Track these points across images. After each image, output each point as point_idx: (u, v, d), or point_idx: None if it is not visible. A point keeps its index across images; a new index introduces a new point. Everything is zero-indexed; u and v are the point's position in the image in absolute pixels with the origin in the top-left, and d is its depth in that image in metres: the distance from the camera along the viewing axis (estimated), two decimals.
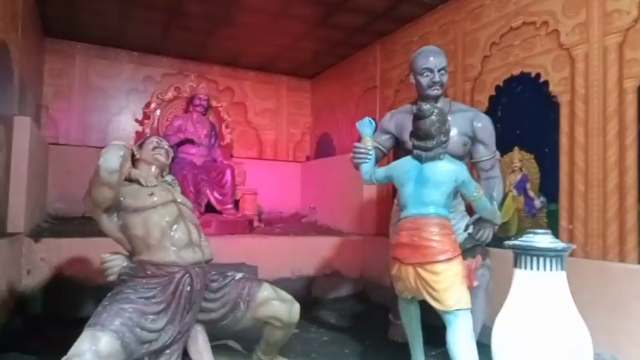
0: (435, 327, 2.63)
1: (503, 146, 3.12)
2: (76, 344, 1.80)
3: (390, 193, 4.37)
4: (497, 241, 3.07)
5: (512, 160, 3.16)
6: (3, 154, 3.08)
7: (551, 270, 1.28)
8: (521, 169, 3.10)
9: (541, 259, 1.28)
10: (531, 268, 1.30)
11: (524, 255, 1.31)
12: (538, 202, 2.96)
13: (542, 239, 1.31)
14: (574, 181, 2.76)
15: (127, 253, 2.22)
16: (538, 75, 3.03)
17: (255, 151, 6.13)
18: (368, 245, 4.53)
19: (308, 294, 4.09)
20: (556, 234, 2.75)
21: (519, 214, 3.10)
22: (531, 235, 1.34)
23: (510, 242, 1.33)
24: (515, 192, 3.13)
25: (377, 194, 4.61)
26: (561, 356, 1.23)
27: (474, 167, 2.68)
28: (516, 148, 3.14)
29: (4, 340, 2.68)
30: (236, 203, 4.95)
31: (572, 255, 2.69)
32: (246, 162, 5.63)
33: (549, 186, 2.91)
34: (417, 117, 2.19)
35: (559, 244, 1.28)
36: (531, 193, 3.02)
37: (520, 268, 1.33)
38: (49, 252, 3.41)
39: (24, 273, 3.33)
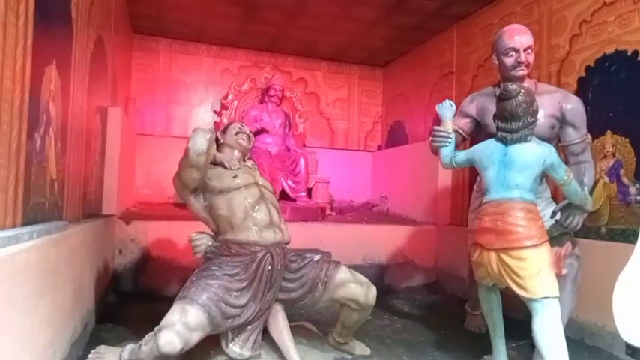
0: (513, 319, 2.54)
1: (594, 130, 2.91)
2: (167, 316, 1.92)
3: (466, 182, 4.24)
4: (586, 232, 2.91)
5: (603, 145, 2.95)
6: (99, 141, 3.32)
7: None
8: (614, 155, 2.89)
9: None
10: None
11: None
12: (633, 190, 2.75)
13: None
14: None
15: (213, 233, 2.33)
16: (636, 52, 2.79)
17: (327, 141, 6.18)
18: (442, 235, 4.43)
19: (381, 282, 4.07)
20: None
21: (611, 202, 2.89)
22: None
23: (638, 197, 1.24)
24: (606, 179, 2.92)
25: (452, 183, 4.48)
26: None
27: (562, 151, 2.53)
28: (609, 132, 2.93)
29: (101, 313, 2.92)
30: (309, 191, 5.03)
31: None
32: (318, 151, 5.70)
33: None
34: (503, 97, 2.11)
35: None
36: (625, 180, 2.81)
37: None
38: (138, 233, 3.66)
39: (116, 252, 3.60)
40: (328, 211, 5.02)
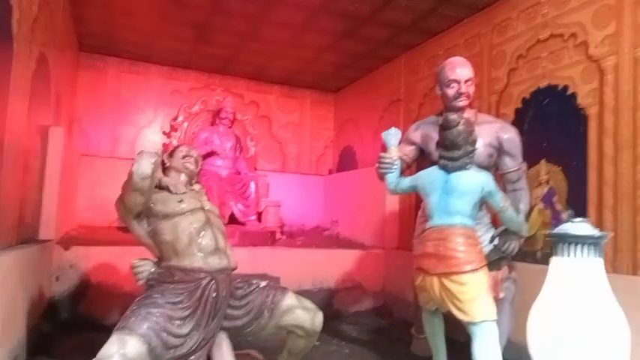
0: (457, 342, 2.60)
1: (530, 159, 3.08)
2: (104, 347, 1.83)
3: (412, 207, 4.35)
4: (523, 256, 3.05)
5: (538, 173, 3.12)
6: (38, 162, 3.18)
7: (588, 257, 1.28)
8: (548, 182, 3.06)
9: (578, 247, 1.30)
10: (568, 255, 1.31)
11: (561, 242, 1.32)
12: (565, 216, 2.91)
13: (579, 227, 1.32)
14: (603, 195, 2.71)
15: (156, 259, 2.27)
16: (566, 87, 3.00)
17: (279, 164, 6.19)
18: (390, 259, 4.50)
19: (329, 307, 4.07)
20: None
21: (546, 227, 3.04)
22: (569, 223, 1.35)
23: (549, 231, 1.34)
24: (541, 205, 3.08)
25: (399, 207, 4.59)
26: (598, 341, 1.22)
27: (499, 179, 2.66)
28: (543, 160, 3.11)
29: (34, 344, 2.74)
30: (259, 215, 5.00)
31: None
32: (270, 174, 5.69)
33: (577, 199, 2.86)
34: (444, 127, 2.20)
35: (596, 232, 1.29)
36: (559, 207, 2.97)
37: (557, 255, 1.33)
38: (77, 259, 3.50)
39: (53, 279, 3.42)
40: (278, 235, 4.99)
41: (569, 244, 1.32)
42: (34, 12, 2.60)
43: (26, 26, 2.45)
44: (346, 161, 6.01)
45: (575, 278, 1.31)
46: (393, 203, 4.58)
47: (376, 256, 4.55)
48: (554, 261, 1.37)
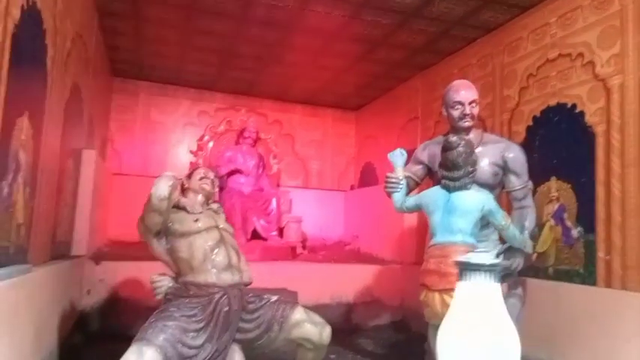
0: None
1: (541, 176, 3.12)
2: (123, 357, 1.99)
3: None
4: (535, 272, 3.07)
5: (549, 189, 3.15)
6: (72, 183, 3.42)
7: (485, 281, 1.42)
8: (558, 199, 3.08)
9: (476, 273, 1.42)
10: (470, 280, 1.44)
11: (464, 270, 1.45)
12: (575, 232, 2.93)
13: (479, 257, 1.45)
14: (611, 212, 2.72)
15: (174, 275, 2.43)
16: (574, 105, 3.03)
17: (301, 180, 6.34)
18: (408, 274, 4.53)
19: (348, 321, 4.15)
20: (593, 265, 2.73)
21: (557, 244, 3.06)
22: (472, 253, 1.50)
23: (457, 259, 1.48)
24: (552, 222, 3.10)
25: (417, 223, 4.64)
26: (493, 354, 1.35)
27: (507, 197, 2.72)
28: (554, 177, 3.13)
29: (66, 354, 2.94)
30: (280, 230, 5.14)
31: (610, 286, 2.65)
32: (293, 191, 5.84)
33: (586, 216, 2.87)
34: (445, 148, 2.29)
35: (489, 261, 1.44)
36: (569, 223, 2.99)
37: (462, 280, 1.46)
38: (107, 274, 3.71)
39: (84, 293, 3.63)
40: (299, 250, 5.11)
41: (470, 270, 1.47)
42: (68, 47, 2.84)
43: (60, 61, 2.68)
44: (367, 177, 6.11)
45: (475, 300, 1.45)
46: (410, 219, 4.64)
47: (395, 271, 4.60)
48: (460, 285, 1.52)
